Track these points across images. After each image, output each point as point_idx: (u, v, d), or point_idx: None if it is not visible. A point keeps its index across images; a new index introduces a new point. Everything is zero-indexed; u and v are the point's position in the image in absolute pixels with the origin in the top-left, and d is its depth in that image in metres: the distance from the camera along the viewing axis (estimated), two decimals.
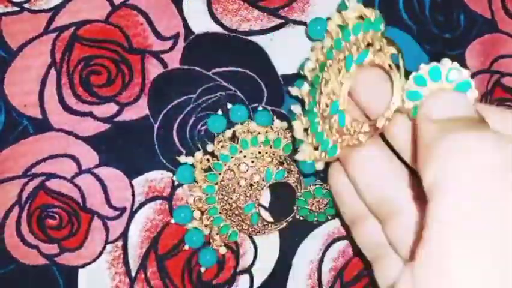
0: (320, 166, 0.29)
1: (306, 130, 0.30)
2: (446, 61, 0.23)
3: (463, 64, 0.37)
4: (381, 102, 0.25)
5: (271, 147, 0.33)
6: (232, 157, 0.33)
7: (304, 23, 0.35)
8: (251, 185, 0.33)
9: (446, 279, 0.17)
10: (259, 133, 0.33)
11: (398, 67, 0.25)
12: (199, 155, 0.34)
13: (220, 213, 0.34)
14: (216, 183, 0.33)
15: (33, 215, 0.33)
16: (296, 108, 0.32)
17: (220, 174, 0.33)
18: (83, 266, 0.34)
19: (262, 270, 0.35)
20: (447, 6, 0.37)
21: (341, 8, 0.29)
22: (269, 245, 0.35)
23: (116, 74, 0.34)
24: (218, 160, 0.33)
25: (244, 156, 0.33)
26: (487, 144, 0.18)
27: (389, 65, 0.25)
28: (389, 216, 0.26)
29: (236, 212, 0.33)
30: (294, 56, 0.34)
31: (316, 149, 0.29)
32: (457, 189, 0.18)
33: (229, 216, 0.33)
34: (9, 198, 0.33)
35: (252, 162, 0.33)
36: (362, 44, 0.26)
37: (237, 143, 0.33)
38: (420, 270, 0.18)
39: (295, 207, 0.34)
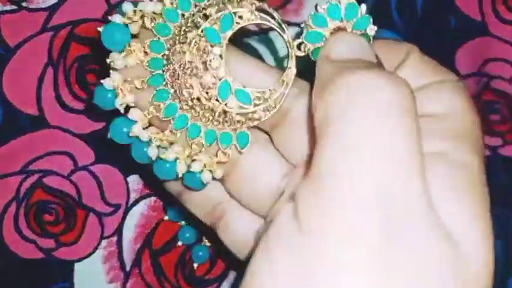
0: (219, 174, 0.24)
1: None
2: None
3: (453, 67, 0.37)
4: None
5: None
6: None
7: (298, 25, 0.36)
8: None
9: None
10: None
11: (268, 14, 0.23)
12: None
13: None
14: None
15: (30, 210, 0.34)
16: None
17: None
18: (79, 260, 0.35)
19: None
20: (438, 8, 0.37)
21: None
22: None
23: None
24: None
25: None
26: (382, 82, 0.18)
27: (262, 18, 0.23)
28: (229, 169, 0.24)
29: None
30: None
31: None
32: (350, 125, 0.17)
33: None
34: (7, 193, 0.34)
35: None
36: (211, 10, 0.23)
37: None
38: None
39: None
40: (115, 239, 0.35)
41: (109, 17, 0.24)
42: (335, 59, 0.21)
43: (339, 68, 0.19)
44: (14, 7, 0.35)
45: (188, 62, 0.23)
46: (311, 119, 0.20)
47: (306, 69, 0.23)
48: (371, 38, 0.23)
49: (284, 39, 0.23)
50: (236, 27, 0.23)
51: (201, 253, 0.35)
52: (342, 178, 0.17)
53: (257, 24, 0.24)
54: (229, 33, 0.23)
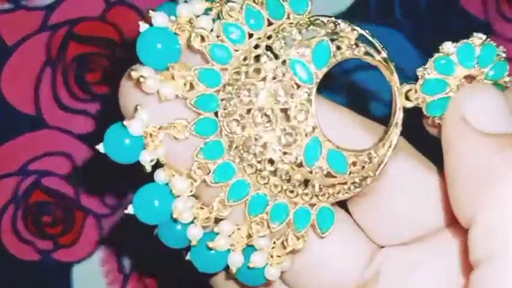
0: (286, 266, 0.18)
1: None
2: (477, 36, 0.17)
3: None
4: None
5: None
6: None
7: None
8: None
9: None
10: None
11: (375, 50, 0.18)
12: None
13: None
14: None
15: (28, 211, 0.34)
16: None
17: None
18: (77, 262, 0.35)
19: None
20: (442, 7, 0.37)
21: None
22: None
23: (110, 71, 0.35)
24: None
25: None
26: None
27: (366, 53, 0.18)
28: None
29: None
30: None
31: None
32: None
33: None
34: (5, 194, 0.34)
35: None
36: (289, 40, 0.16)
37: None
38: None
39: None
40: (113, 240, 0.35)
41: (151, 12, 0.17)
42: (483, 132, 0.16)
43: (499, 155, 0.15)
44: (12, 6, 0.34)
45: (262, 107, 0.16)
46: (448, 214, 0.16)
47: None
48: (505, 87, 0.18)
49: (391, 83, 0.18)
50: (333, 63, 0.16)
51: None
52: None
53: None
54: (324, 70, 0.16)
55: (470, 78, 0.17)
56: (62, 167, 0.34)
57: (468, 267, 0.15)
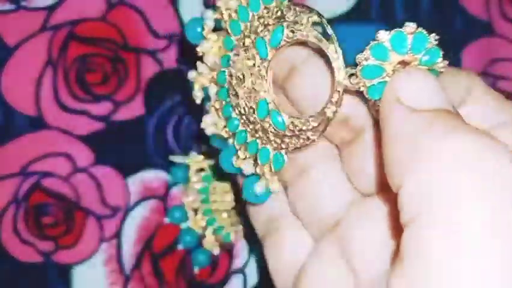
0: (275, 187, 0.22)
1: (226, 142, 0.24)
2: (409, 25, 0.18)
3: (459, 67, 0.37)
4: (317, 89, 0.21)
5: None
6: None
7: None
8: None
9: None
10: None
11: (327, 37, 0.19)
12: (194, 155, 0.34)
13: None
14: (209, 183, 0.34)
15: (29, 212, 0.34)
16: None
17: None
18: (78, 263, 0.34)
19: (256, 271, 0.36)
20: (444, 8, 0.37)
21: None
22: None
23: (112, 72, 0.35)
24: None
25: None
26: (486, 150, 0.16)
27: (315, 37, 0.19)
28: (295, 178, 0.22)
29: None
30: None
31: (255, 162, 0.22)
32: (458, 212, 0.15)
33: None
34: (5, 196, 0.34)
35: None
36: (269, 20, 0.21)
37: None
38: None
39: None
40: (114, 241, 0.35)
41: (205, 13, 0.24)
42: (411, 107, 0.17)
43: (426, 127, 0.16)
44: (13, 6, 0.34)
45: (239, 69, 0.21)
46: (380, 166, 0.18)
47: None
48: (439, 72, 0.19)
49: (333, 65, 0.19)
50: (284, 44, 0.20)
51: (201, 258, 0.34)
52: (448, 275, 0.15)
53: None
54: (277, 49, 0.20)
55: (404, 63, 0.18)
56: (63, 168, 0.34)
57: (399, 230, 0.16)
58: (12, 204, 0.34)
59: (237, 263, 0.36)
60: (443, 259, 0.15)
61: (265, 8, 0.21)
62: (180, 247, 0.35)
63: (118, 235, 0.35)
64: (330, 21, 0.35)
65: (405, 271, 0.15)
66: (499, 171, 0.15)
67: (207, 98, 0.24)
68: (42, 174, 0.34)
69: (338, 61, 0.19)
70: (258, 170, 0.22)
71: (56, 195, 0.34)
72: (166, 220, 0.35)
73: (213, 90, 0.23)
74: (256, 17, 0.21)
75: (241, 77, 0.21)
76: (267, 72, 0.21)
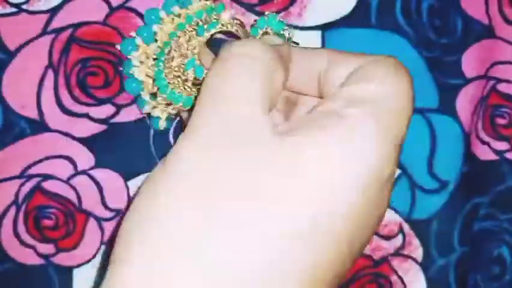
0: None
1: (153, 95, 0.33)
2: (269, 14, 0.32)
3: (460, 69, 0.37)
4: None
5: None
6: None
7: (300, 28, 0.36)
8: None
9: None
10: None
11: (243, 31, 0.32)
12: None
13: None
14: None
15: (29, 215, 0.34)
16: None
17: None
18: (78, 266, 0.35)
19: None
20: (444, 11, 0.37)
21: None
22: None
23: (113, 76, 0.35)
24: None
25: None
26: (247, 46, 0.24)
27: (236, 30, 0.31)
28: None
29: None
30: None
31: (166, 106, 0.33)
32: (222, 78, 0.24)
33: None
34: (6, 198, 0.34)
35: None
36: (208, 19, 0.32)
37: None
38: None
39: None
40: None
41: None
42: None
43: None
44: (14, 9, 0.35)
45: (180, 42, 0.32)
46: None
47: None
48: (286, 37, 0.32)
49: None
50: (215, 31, 0.31)
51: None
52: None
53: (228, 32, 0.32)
54: (212, 31, 0.31)
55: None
56: (63, 171, 0.34)
57: None
58: (13, 207, 0.34)
59: None
60: None
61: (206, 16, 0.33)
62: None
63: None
64: (330, 25, 0.35)
65: None
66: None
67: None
68: (43, 177, 0.34)
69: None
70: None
71: (57, 198, 0.34)
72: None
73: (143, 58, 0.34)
74: (197, 20, 0.33)
75: (176, 48, 0.32)
76: (200, 45, 0.31)
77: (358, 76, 0.24)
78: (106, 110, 0.35)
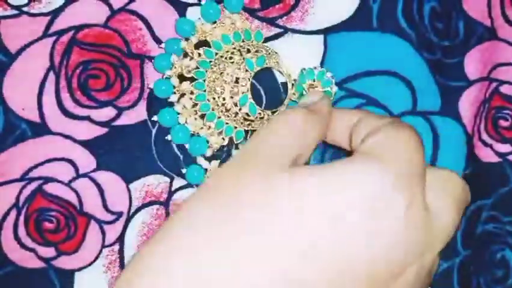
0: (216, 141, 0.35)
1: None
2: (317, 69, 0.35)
3: (462, 72, 0.37)
4: None
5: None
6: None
7: (303, 32, 0.36)
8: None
9: None
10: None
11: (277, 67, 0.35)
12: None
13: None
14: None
15: (30, 218, 0.34)
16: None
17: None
18: (79, 269, 0.35)
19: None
20: (446, 14, 0.37)
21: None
22: None
23: (115, 78, 0.35)
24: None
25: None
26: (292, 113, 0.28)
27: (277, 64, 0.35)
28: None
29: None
30: (293, 64, 0.35)
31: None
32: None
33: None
34: (6, 201, 0.34)
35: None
36: (246, 48, 0.35)
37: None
38: None
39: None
40: (116, 247, 0.35)
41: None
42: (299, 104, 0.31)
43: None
44: (15, 12, 0.35)
45: (228, 74, 0.34)
46: None
47: None
48: (332, 94, 0.35)
49: (288, 93, 0.36)
50: (264, 66, 0.34)
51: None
52: None
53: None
54: (259, 68, 0.34)
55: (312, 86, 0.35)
56: (65, 174, 0.34)
57: None
58: (13, 210, 0.34)
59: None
60: None
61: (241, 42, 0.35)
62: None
63: (120, 241, 0.35)
64: (332, 28, 0.35)
65: None
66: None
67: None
68: (44, 180, 0.34)
69: (289, 81, 0.36)
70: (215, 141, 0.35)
71: (58, 201, 0.34)
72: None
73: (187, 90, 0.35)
74: (235, 45, 0.35)
75: (227, 78, 0.34)
76: (249, 79, 0.34)
77: (372, 134, 0.27)
78: (107, 113, 0.35)
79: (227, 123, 0.35)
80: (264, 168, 0.25)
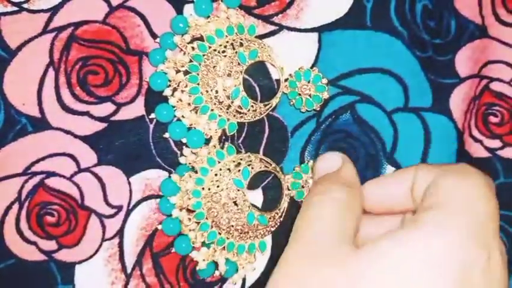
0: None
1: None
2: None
3: (453, 69, 0.39)
4: None
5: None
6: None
7: (298, 30, 0.38)
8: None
9: None
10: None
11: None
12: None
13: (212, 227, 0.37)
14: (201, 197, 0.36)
15: (32, 212, 0.36)
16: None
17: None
18: (80, 262, 0.37)
19: (255, 269, 0.38)
20: (438, 12, 0.39)
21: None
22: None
23: (113, 74, 0.37)
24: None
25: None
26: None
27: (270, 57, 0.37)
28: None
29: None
30: (288, 61, 0.37)
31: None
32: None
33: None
34: (9, 195, 0.36)
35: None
36: (238, 42, 0.37)
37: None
38: None
39: (288, 192, 0.38)
40: (116, 241, 0.37)
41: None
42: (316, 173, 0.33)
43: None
44: (15, 8, 0.36)
45: (221, 67, 0.36)
46: None
47: None
48: (322, 100, 0.38)
49: (281, 86, 0.38)
50: (256, 59, 0.37)
51: (184, 245, 0.36)
52: None
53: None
54: (252, 61, 0.36)
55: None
56: (66, 168, 0.36)
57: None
58: (15, 204, 0.36)
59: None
60: None
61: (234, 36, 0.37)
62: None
63: (120, 234, 0.37)
64: (327, 26, 0.37)
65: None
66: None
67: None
68: (45, 174, 0.36)
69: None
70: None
71: (60, 195, 0.36)
72: (159, 227, 0.37)
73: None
74: (226, 39, 0.37)
75: (219, 71, 0.36)
76: (242, 72, 0.37)
77: (432, 189, 0.27)
78: (106, 108, 0.37)
79: (220, 115, 0.36)
80: (332, 254, 0.26)
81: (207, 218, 0.36)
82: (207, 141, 0.37)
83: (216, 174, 0.36)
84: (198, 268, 0.36)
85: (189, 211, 0.36)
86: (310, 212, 0.28)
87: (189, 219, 0.36)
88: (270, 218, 0.37)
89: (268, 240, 0.38)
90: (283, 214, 0.37)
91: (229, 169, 0.36)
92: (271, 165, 0.37)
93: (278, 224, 0.37)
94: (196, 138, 0.36)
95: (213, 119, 0.36)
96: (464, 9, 0.40)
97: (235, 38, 0.37)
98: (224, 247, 0.36)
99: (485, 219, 0.25)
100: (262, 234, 0.37)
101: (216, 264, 0.37)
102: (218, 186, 0.36)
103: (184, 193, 0.36)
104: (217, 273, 0.37)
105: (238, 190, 0.36)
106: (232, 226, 0.36)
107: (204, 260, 0.36)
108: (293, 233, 0.28)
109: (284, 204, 0.37)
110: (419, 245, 0.24)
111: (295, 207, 0.37)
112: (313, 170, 0.34)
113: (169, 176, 0.36)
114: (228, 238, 0.36)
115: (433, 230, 0.24)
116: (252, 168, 0.36)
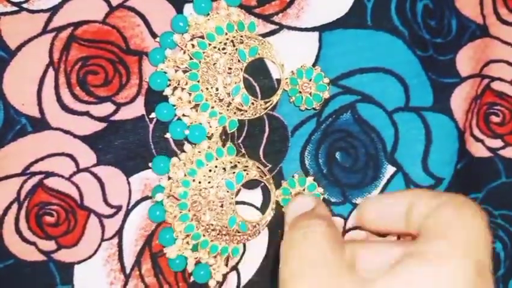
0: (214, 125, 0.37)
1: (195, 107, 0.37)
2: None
3: (454, 68, 0.39)
4: None
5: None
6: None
7: (298, 29, 0.38)
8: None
9: None
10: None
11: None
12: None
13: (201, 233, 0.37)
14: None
15: (31, 212, 0.36)
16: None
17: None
18: (79, 262, 0.37)
19: (249, 267, 0.38)
20: (439, 11, 0.39)
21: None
22: (257, 241, 0.38)
23: (113, 74, 0.37)
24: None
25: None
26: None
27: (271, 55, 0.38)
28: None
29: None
30: (288, 60, 0.38)
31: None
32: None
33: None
34: (8, 195, 0.36)
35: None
36: (239, 39, 0.37)
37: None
38: None
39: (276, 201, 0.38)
40: (115, 241, 0.37)
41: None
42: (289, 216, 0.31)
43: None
44: (14, 8, 0.37)
45: (221, 64, 0.36)
46: None
47: None
48: (322, 99, 0.38)
49: (281, 83, 0.38)
50: (256, 56, 0.37)
51: (168, 236, 0.37)
52: None
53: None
54: (252, 58, 0.37)
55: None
56: (65, 168, 0.37)
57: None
58: (15, 204, 0.36)
59: (232, 261, 0.38)
60: None
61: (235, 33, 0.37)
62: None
63: (119, 234, 0.37)
64: (327, 26, 0.37)
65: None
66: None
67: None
68: (45, 174, 0.36)
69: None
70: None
71: (59, 195, 0.36)
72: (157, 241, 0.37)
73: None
74: (226, 37, 0.37)
75: (220, 68, 0.37)
76: (242, 69, 0.37)
77: (434, 215, 0.27)
78: (106, 108, 0.37)
79: (220, 113, 0.37)
80: (335, 284, 0.26)
81: (189, 210, 0.36)
82: (208, 138, 0.37)
83: (210, 170, 0.36)
84: (167, 257, 0.36)
85: (177, 200, 0.36)
86: (300, 247, 0.28)
87: (171, 206, 0.36)
88: (251, 227, 0.37)
89: (264, 239, 0.38)
90: (266, 226, 0.38)
91: (224, 168, 0.36)
92: (265, 175, 0.37)
93: (257, 234, 0.38)
94: (198, 133, 0.37)
95: (213, 117, 0.37)
96: (465, 8, 0.40)
97: (235, 35, 0.37)
98: (198, 243, 0.36)
99: (483, 248, 0.26)
100: (239, 241, 0.37)
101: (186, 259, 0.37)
102: (209, 183, 0.36)
103: (175, 181, 0.36)
104: (212, 282, 0.37)
105: (228, 192, 0.36)
106: (212, 225, 0.36)
107: (175, 250, 0.36)
108: (285, 271, 0.27)
109: (268, 217, 0.38)
110: (429, 274, 0.24)
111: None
112: (285, 212, 0.32)
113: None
114: (204, 235, 0.36)
115: (440, 260, 0.25)
116: (247, 174, 0.36)
